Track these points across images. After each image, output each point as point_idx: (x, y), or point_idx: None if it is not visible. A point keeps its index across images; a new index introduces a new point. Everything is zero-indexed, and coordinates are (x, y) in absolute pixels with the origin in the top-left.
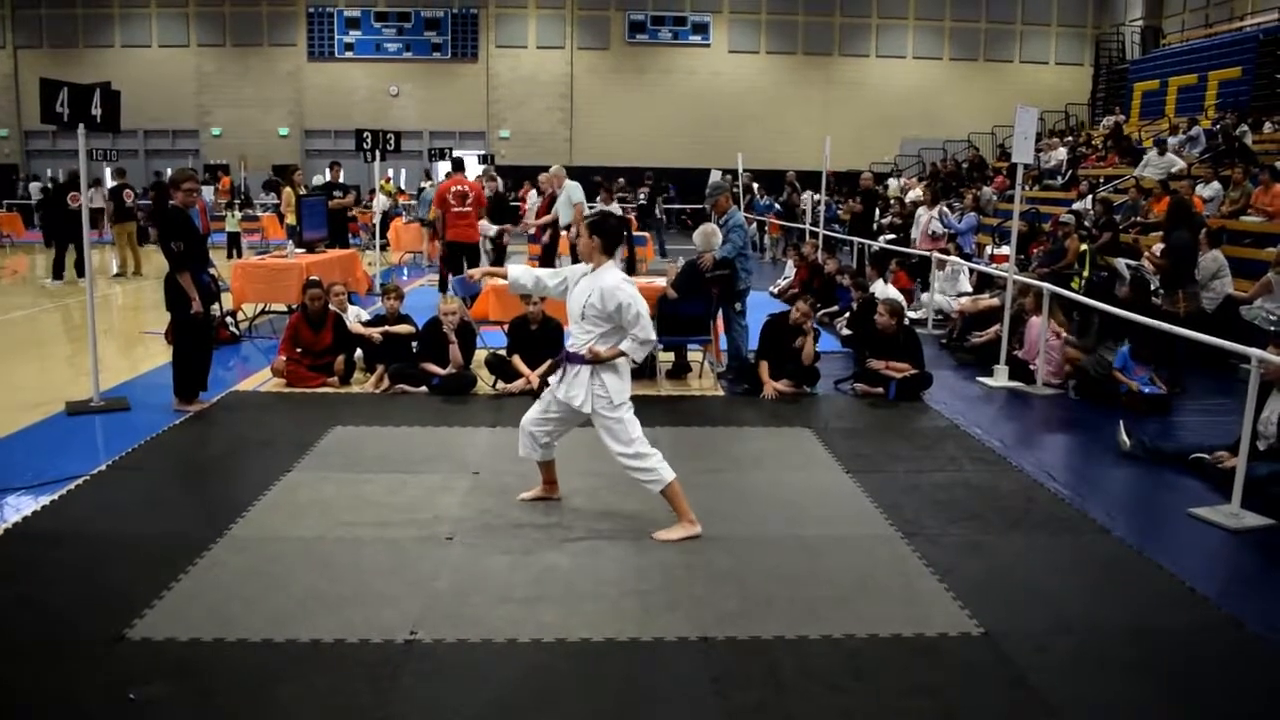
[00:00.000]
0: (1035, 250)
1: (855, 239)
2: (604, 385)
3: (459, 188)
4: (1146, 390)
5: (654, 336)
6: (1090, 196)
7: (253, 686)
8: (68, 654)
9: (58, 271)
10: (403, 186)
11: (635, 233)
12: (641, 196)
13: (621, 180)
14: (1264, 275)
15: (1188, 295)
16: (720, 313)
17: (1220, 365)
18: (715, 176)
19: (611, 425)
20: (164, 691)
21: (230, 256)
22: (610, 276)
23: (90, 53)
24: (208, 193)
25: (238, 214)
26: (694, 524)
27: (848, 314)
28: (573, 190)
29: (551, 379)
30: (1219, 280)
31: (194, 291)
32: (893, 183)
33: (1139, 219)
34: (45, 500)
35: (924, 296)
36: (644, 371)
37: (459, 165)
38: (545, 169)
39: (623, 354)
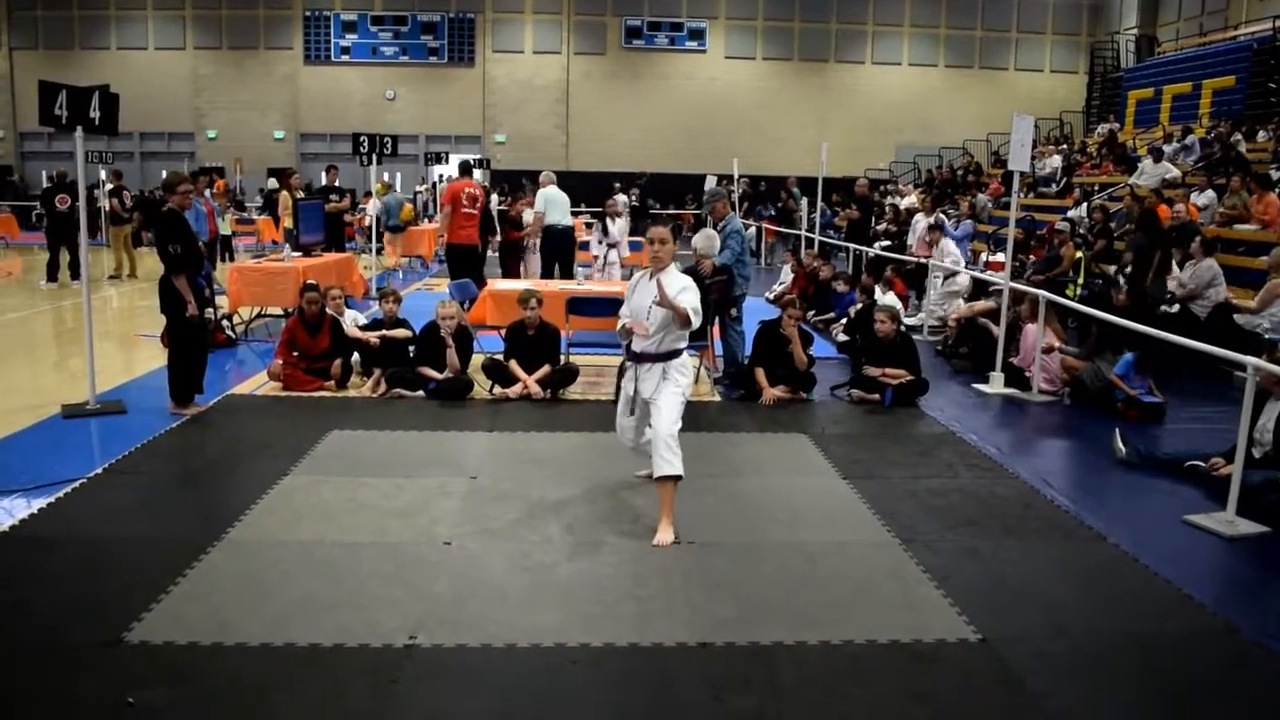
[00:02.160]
0: (1030, 257)
1: (851, 245)
2: (678, 372)
3: (471, 190)
4: (1145, 399)
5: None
6: (1085, 204)
7: (251, 691)
8: (65, 659)
9: (51, 273)
10: (397, 190)
11: (634, 238)
12: (633, 198)
13: (618, 185)
14: (1267, 282)
15: (1132, 291)
16: (716, 318)
17: (1214, 373)
18: (711, 183)
19: (669, 402)
20: (162, 696)
21: (222, 259)
22: (677, 277)
23: (86, 55)
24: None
25: (229, 216)
26: (671, 524)
27: (844, 320)
28: (549, 195)
29: (625, 383)
30: (1214, 288)
31: (189, 294)
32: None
33: (1132, 226)
34: (41, 504)
35: (920, 302)
36: None
37: (466, 169)
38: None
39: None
